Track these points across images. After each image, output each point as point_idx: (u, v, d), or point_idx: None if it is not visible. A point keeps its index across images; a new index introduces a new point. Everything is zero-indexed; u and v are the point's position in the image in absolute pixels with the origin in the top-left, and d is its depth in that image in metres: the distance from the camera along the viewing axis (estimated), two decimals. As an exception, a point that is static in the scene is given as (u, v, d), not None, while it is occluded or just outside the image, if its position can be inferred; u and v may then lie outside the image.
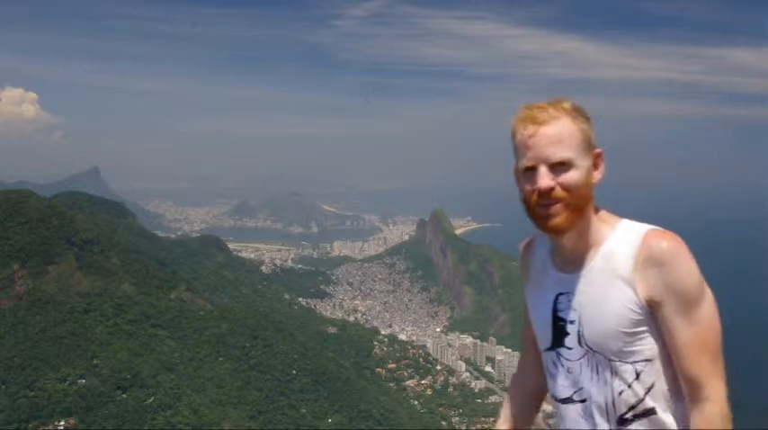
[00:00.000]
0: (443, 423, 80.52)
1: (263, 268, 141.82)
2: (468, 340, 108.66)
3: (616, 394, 2.08)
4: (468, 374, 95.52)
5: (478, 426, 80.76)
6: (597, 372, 2.11)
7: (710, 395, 1.98)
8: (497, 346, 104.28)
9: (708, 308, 2.00)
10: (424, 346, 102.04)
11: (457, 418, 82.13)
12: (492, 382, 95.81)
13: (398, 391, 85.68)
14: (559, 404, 2.25)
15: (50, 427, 57.84)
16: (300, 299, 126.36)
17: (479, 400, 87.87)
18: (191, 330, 74.05)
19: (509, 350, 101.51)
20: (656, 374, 2.06)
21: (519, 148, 2.09)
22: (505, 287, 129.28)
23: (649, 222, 2.17)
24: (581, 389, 2.15)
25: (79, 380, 62.30)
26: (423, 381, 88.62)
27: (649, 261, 1.99)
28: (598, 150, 2.11)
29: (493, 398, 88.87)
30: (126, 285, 75.98)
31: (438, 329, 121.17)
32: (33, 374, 61.19)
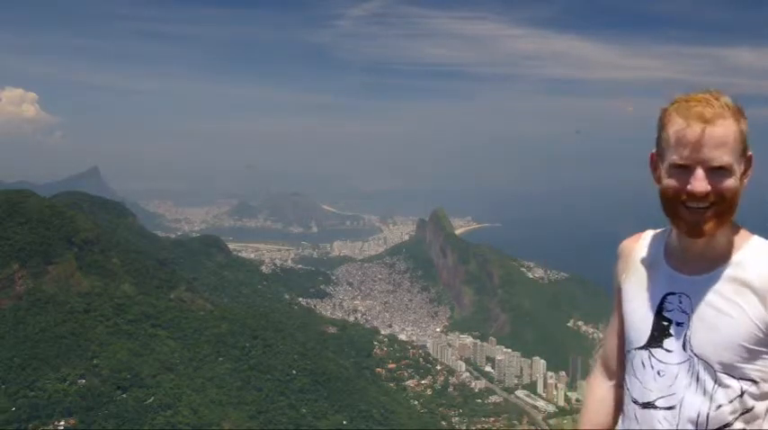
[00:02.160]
0: (443, 423, 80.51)
1: (263, 268, 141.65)
2: (468, 340, 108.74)
3: (714, 407, 1.95)
4: (468, 374, 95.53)
5: (478, 426, 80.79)
6: (698, 381, 1.97)
7: None
8: (497, 346, 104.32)
9: None
10: (424, 346, 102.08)
11: (457, 418, 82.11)
12: (492, 382, 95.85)
13: (398, 391, 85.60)
14: (637, 407, 2.10)
15: (50, 427, 57.86)
16: (300, 299, 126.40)
17: (479, 400, 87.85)
18: (191, 330, 74.03)
19: (509, 350, 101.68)
20: (758, 398, 1.96)
21: (673, 141, 1.93)
22: (505, 287, 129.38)
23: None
24: (672, 395, 2.01)
25: (79, 380, 62.32)
26: (423, 381, 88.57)
27: None
28: (750, 154, 1.95)
29: (493, 398, 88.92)
30: (126, 285, 75.99)
31: (438, 329, 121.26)
32: (33, 374, 61.20)
